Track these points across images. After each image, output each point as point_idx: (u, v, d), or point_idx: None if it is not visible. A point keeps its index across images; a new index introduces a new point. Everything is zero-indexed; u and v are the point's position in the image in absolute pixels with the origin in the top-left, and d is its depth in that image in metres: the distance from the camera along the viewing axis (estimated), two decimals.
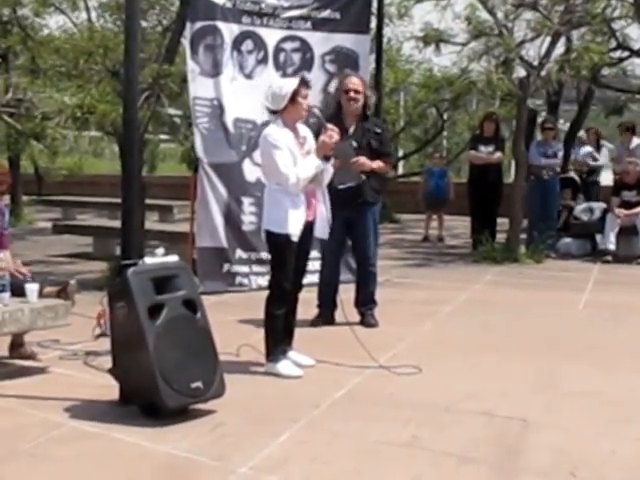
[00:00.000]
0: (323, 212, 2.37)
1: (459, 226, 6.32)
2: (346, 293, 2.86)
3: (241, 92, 3.69)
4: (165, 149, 12.45)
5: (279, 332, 2.35)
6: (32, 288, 2.28)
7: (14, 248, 2.73)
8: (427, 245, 5.81)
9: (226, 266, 3.69)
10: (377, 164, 2.93)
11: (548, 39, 4.84)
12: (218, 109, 3.68)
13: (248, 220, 3.70)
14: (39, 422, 1.88)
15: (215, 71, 3.69)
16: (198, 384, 1.91)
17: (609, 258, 4.77)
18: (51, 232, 5.69)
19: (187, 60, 3.69)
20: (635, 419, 1.95)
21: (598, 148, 5.87)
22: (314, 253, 2.73)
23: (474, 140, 5.63)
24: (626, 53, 6.44)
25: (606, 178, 6.08)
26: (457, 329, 2.98)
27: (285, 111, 2.29)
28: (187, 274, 2.07)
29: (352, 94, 2.89)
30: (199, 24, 3.65)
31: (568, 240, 5.21)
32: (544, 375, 2.34)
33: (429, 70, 7.58)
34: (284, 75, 3.69)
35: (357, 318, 2.96)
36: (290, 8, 3.83)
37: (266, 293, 2.38)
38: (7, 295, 2.23)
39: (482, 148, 5.29)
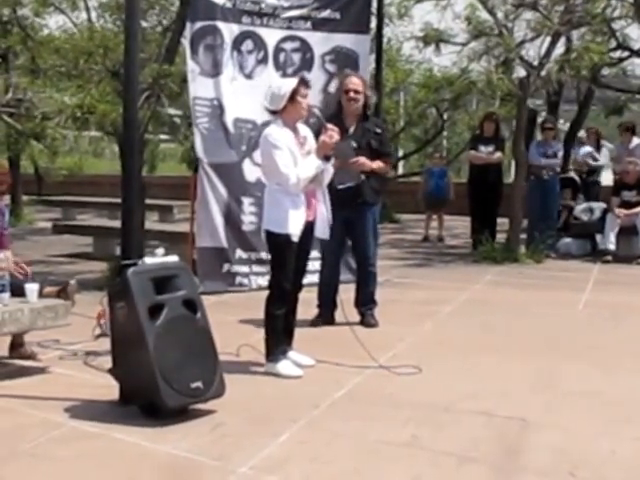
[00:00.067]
0: (323, 212, 2.37)
1: (459, 226, 6.32)
2: (346, 293, 2.86)
3: (241, 92, 3.69)
4: (165, 149, 12.46)
5: (279, 332, 2.35)
6: (32, 288, 2.28)
7: (14, 248, 2.73)
8: (427, 245, 5.81)
9: (226, 266, 3.69)
10: (377, 164, 2.93)
11: (548, 39, 4.85)
12: (218, 109, 3.68)
13: (248, 220, 3.70)
14: (39, 422, 1.89)
15: (215, 71, 3.69)
16: (198, 384, 1.91)
17: (609, 258, 4.77)
18: (51, 232, 5.69)
19: (187, 60, 3.69)
20: (635, 419, 1.95)
21: (598, 148, 5.88)
22: (314, 253, 2.73)
23: (474, 140, 5.63)
24: (626, 53, 6.45)
25: (606, 178, 6.08)
26: (457, 329, 2.98)
27: (285, 111, 2.29)
28: (187, 274, 2.07)
29: (352, 94, 2.89)
30: (199, 24, 3.66)
31: (568, 240, 5.21)
32: (544, 375, 2.34)
33: (429, 70, 7.59)
34: (284, 75, 3.69)
35: (357, 318, 2.96)
36: (290, 8, 3.83)
37: (266, 293, 2.39)
38: (7, 295, 2.23)
39: (482, 148, 5.29)
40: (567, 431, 1.86)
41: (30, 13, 5.93)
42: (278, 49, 3.82)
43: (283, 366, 2.32)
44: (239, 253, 3.72)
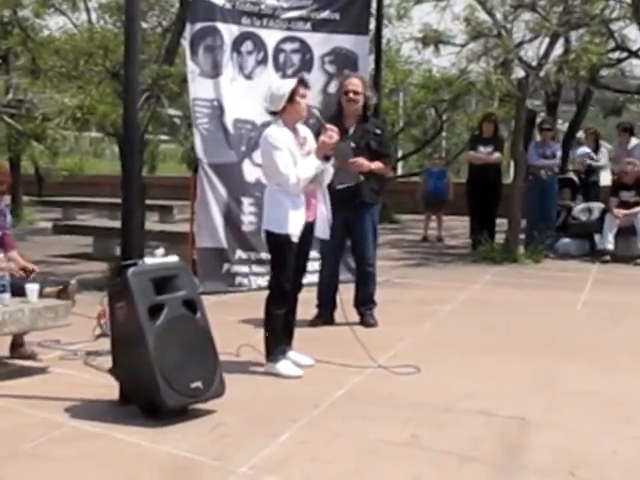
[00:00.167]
0: (324, 212, 2.38)
1: (458, 226, 6.33)
2: (346, 293, 2.86)
3: (241, 93, 3.70)
4: (165, 150, 12.46)
5: (279, 332, 2.35)
6: (32, 288, 2.29)
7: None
8: (426, 245, 5.81)
9: (226, 266, 3.69)
10: (376, 165, 2.93)
11: (547, 40, 4.86)
12: (218, 110, 3.69)
13: (248, 220, 3.71)
14: (39, 422, 1.89)
15: (215, 72, 3.69)
16: (198, 384, 1.92)
17: (607, 258, 4.78)
18: (51, 232, 5.70)
19: (187, 61, 3.70)
20: (634, 418, 1.96)
21: (597, 149, 5.89)
22: (313, 253, 2.73)
23: (473, 141, 5.64)
24: (624, 54, 6.47)
25: (605, 178, 6.09)
26: (456, 329, 2.98)
27: (284, 112, 2.30)
28: (187, 274, 2.08)
29: (352, 95, 2.90)
30: (199, 25, 3.66)
31: (567, 240, 5.22)
32: (543, 375, 2.35)
33: (428, 71, 7.60)
34: (284, 76, 3.70)
35: (356, 318, 2.97)
36: (290, 9, 3.84)
37: (266, 293, 2.39)
38: (7, 296, 2.23)
39: (481, 148, 5.30)
40: (567, 431, 1.86)
41: (30, 14, 5.94)
42: (278, 50, 3.83)
43: (283, 366, 2.33)
44: (239, 253, 3.72)
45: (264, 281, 3.21)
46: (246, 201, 3.72)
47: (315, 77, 3.75)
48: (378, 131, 2.99)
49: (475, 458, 1.70)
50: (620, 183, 5.13)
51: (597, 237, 5.09)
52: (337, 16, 3.92)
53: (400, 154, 9.07)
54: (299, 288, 2.42)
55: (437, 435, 1.83)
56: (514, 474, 1.65)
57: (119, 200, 2.16)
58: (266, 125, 2.55)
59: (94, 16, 5.59)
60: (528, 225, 5.20)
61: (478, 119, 6.08)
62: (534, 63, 4.90)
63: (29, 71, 5.59)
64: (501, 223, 5.16)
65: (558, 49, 5.32)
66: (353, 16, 3.93)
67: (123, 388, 1.98)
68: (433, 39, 5.72)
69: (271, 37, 3.81)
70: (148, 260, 2.04)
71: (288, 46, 3.85)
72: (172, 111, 5.51)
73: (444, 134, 9.43)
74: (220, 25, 3.69)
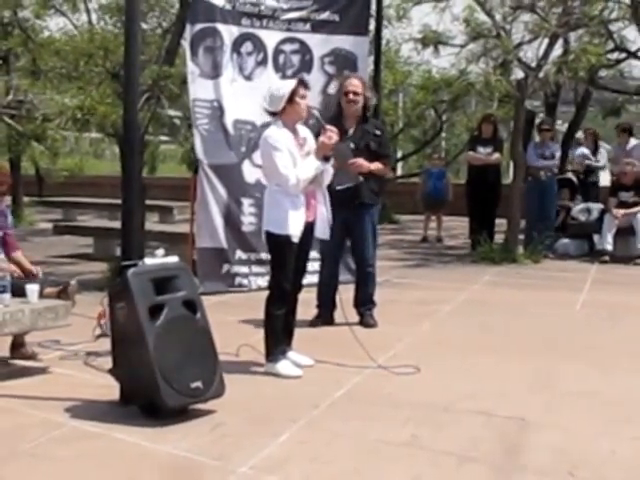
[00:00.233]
0: (324, 213, 2.38)
1: (458, 227, 6.33)
2: (345, 293, 2.86)
3: (241, 94, 3.70)
4: (165, 150, 12.45)
5: (279, 332, 2.36)
6: (33, 289, 2.29)
7: None
8: (426, 246, 5.82)
9: (226, 267, 3.70)
10: (375, 166, 2.94)
11: (546, 41, 4.87)
12: (218, 111, 3.69)
13: (248, 221, 3.71)
14: (40, 422, 1.89)
15: (215, 73, 3.70)
16: (198, 384, 1.92)
17: (606, 258, 4.79)
18: (52, 233, 5.71)
19: (187, 62, 3.70)
20: (633, 419, 1.96)
21: (596, 149, 5.90)
22: (313, 254, 2.73)
23: (472, 141, 5.65)
24: (623, 55, 6.49)
25: (604, 179, 6.10)
26: (456, 329, 2.99)
27: (284, 112, 2.30)
28: (187, 275, 2.08)
29: (351, 96, 2.90)
30: (199, 26, 3.67)
31: (566, 240, 5.23)
32: (542, 375, 2.35)
33: (428, 72, 7.60)
34: (284, 77, 3.70)
35: (356, 318, 2.97)
36: (289, 10, 3.85)
37: (266, 293, 2.39)
38: (8, 296, 2.24)
39: (480, 149, 5.31)
40: (566, 431, 1.87)
41: (31, 15, 5.95)
42: (277, 51, 3.84)
43: (283, 366, 2.33)
44: (239, 254, 3.73)
45: (264, 281, 3.22)
46: (246, 202, 3.72)
47: (315, 78, 3.76)
48: (378, 132, 3.00)
49: (474, 458, 1.70)
50: (619, 184, 5.14)
51: (596, 237, 5.10)
52: (337, 17, 3.92)
53: (400, 155, 9.07)
54: (299, 288, 2.42)
55: (436, 435, 1.83)
56: (513, 474, 1.65)
57: (119, 201, 2.17)
58: (266, 126, 2.55)
59: (94, 17, 5.60)
60: (527, 225, 5.20)
61: (477, 120, 6.09)
62: (533, 64, 4.91)
63: (29, 72, 5.59)
64: (500, 223, 5.17)
65: (557, 50, 5.34)
66: (353, 17, 3.94)
67: (123, 388, 1.98)
68: (432, 40, 5.73)
69: (271, 38, 3.82)
70: (148, 260, 2.04)
71: (288, 47, 3.85)
72: (172, 112, 5.52)
73: (443, 135, 9.43)
74: (220, 26, 3.70)
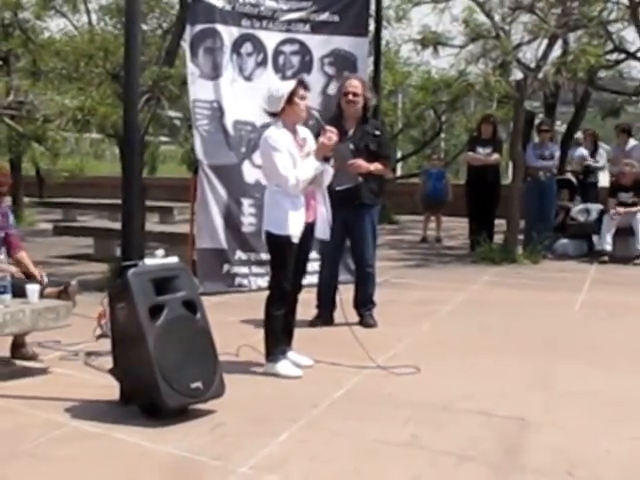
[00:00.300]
0: (324, 213, 2.39)
1: (457, 227, 6.34)
2: (345, 294, 2.87)
3: (241, 94, 3.71)
4: (165, 151, 12.45)
5: (279, 332, 2.36)
6: (33, 289, 2.30)
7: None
8: (425, 246, 5.83)
9: (226, 267, 3.70)
10: (375, 166, 2.94)
11: (545, 42, 4.88)
12: (218, 111, 3.70)
13: (248, 221, 3.72)
14: (40, 422, 1.90)
15: (215, 73, 3.70)
16: (198, 384, 1.93)
17: (605, 259, 4.80)
18: (52, 233, 5.71)
19: (187, 63, 3.71)
20: (633, 419, 1.97)
21: (595, 150, 5.90)
22: (313, 254, 2.74)
23: (472, 142, 5.64)
24: (622, 55, 6.50)
25: (603, 179, 6.11)
26: (455, 329, 2.99)
27: (284, 113, 2.31)
28: (187, 275, 2.09)
29: (351, 97, 2.91)
30: (199, 27, 3.67)
31: (565, 241, 5.23)
32: (541, 375, 2.36)
33: (427, 72, 7.61)
34: (283, 78, 3.71)
35: (356, 319, 2.98)
36: (289, 11, 3.86)
37: (266, 294, 2.40)
38: (8, 296, 2.24)
39: (480, 150, 5.31)
40: (565, 431, 1.87)
41: (31, 16, 5.96)
42: (277, 52, 3.84)
43: (282, 366, 2.34)
44: (239, 254, 3.73)
45: (264, 282, 3.23)
46: (246, 202, 3.73)
47: (315, 79, 3.76)
48: (377, 132, 3.00)
49: (474, 458, 1.71)
50: (618, 184, 5.14)
51: (595, 238, 5.10)
52: (336, 18, 3.93)
53: (399, 155, 9.08)
54: (299, 289, 2.43)
55: (436, 435, 1.84)
56: (512, 474, 1.66)
57: (119, 201, 2.17)
58: (266, 126, 2.56)
59: (94, 18, 5.61)
60: (527, 226, 5.21)
61: (477, 120, 6.09)
62: (532, 65, 4.92)
63: (30, 73, 5.60)
64: (500, 224, 5.18)
65: (556, 51, 5.35)
66: (352, 18, 3.95)
67: (123, 388, 1.99)
68: (432, 41, 5.74)
69: (271, 39, 3.82)
70: (148, 261, 2.05)
71: (288, 48, 3.86)
72: (172, 113, 5.52)
73: (443, 135, 9.43)
74: (220, 27, 3.70)
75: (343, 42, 3.92)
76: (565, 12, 4.76)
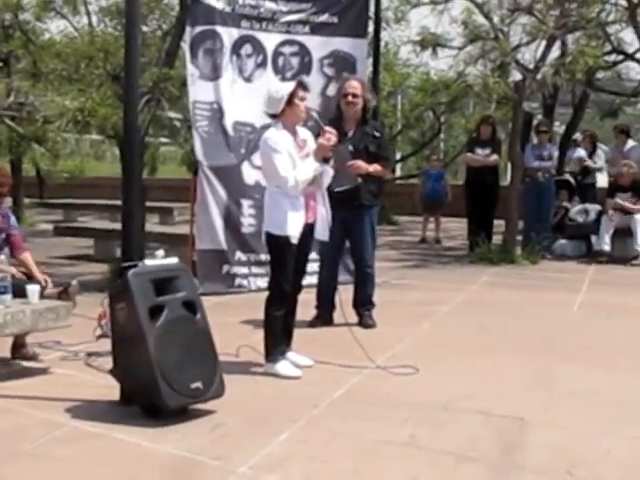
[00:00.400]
0: (323, 214, 2.39)
1: (456, 228, 6.36)
2: (345, 294, 2.87)
3: (240, 95, 3.72)
4: (165, 152, 12.45)
5: (278, 333, 2.37)
6: (33, 289, 2.30)
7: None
8: (424, 247, 5.84)
9: (225, 268, 3.71)
10: (374, 167, 2.95)
11: (543, 43, 4.89)
12: (218, 112, 3.71)
13: (247, 222, 3.73)
14: (40, 422, 1.90)
15: (215, 75, 3.71)
16: (198, 384, 1.93)
17: (604, 259, 4.81)
18: (52, 234, 5.73)
19: (187, 64, 3.72)
20: (632, 418, 1.97)
21: (594, 151, 5.92)
22: (313, 255, 2.74)
23: (471, 143, 5.65)
24: (620, 57, 6.53)
25: (601, 180, 6.13)
26: (454, 330, 3.00)
27: (283, 114, 2.32)
28: (187, 276, 2.09)
29: (350, 98, 2.92)
30: (199, 28, 3.68)
31: (563, 241, 5.24)
32: (540, 375, 2.37)
33: (426, 74, 7.63)
34: (283, 79, 3.71)
35: (355, 319, 2.98)
36: (289, 12, 3.87)
37: (265, 294, 2.41)
38: (9, 297, 2.25)
39: (479, 151, 5.33)
40: (564, 430, 1.87)
41: (31, 17, 5.96)
42: (277, 53, 3.85)
43: (282, 366, 2.34)
44: (238, 255, 3.74)
45: (264, 282, 3.23)
46: (246, 203, 3.74)
47: (314, 80, 3.77)
48: (377, 134, 3.01)
49: (473, 458, 1.71)
50: (616, 185, 5.16)
51: (594, 238, 5.11)
52: (335, 19, 3.94)
53: (398, 156, 9.09)
54: (299, 289, 2.43)
55: (435, 435, 1.84)
56: (512, 473, 1.66)
57: (119, 202, 2.18)
58: (266, 128, 2.57)
59: (95, 19, 5.62)
60: (525, 226, 5.22)
61: (476, 121, 6.11)
62: (531, 66, 4.93)
63: (30, 74, 5.60)
64: (498, 224, 5.18)
65: (555, 52, 5.38)
66: (351, 19, 3.96)
67: (123, 388, 1.99)
68: (431, 42, 5.76)
69: (270, 40, 3.83)
70: (148, 261, 2.05)
71: (287, 49, 3.87)
72: (172, 114, 5.53)
73: (442, 136, 9.46)
74: (220, 28, 3.71)
75: (342, 43, 3.93)
76: (563, 13, 4.77)
